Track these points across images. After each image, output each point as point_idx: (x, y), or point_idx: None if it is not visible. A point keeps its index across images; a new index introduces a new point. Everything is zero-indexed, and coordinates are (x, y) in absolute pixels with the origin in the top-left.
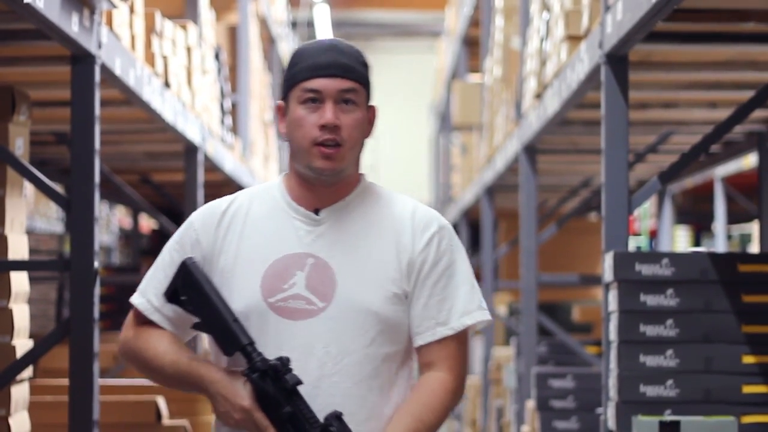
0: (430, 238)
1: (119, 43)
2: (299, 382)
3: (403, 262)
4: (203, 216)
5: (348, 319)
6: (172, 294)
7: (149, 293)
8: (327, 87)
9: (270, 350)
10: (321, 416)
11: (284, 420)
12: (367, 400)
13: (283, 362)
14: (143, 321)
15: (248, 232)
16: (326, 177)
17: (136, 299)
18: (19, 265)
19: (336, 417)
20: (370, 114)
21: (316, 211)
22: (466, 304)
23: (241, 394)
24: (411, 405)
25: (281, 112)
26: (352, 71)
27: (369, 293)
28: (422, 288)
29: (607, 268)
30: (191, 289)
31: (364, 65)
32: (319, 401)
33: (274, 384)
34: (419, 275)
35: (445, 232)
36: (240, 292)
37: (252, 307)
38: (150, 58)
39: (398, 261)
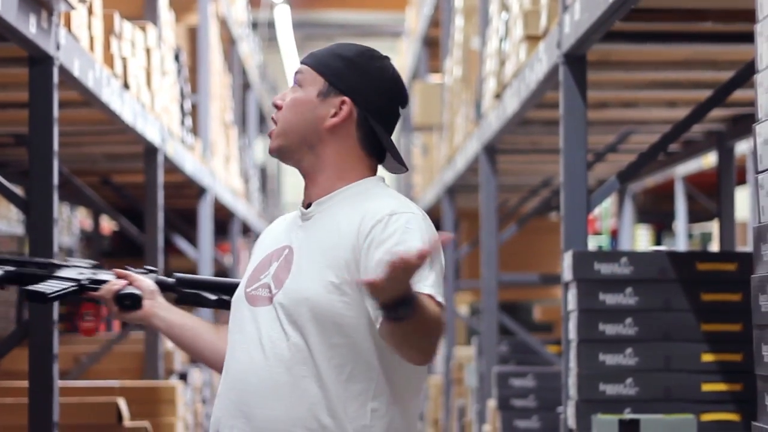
0: (376, 223)
1: (78, 44)
2: None
3: (348, 250)
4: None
5: (287, 306)
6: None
7: None
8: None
9: (235, 336)
10: (256, 408)
11: None
12: (297, 388)
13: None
14: None
15: (265, 237)
16: (283, 162)
17: None
18: None
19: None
20: (335, 102)
21: (308, 206)
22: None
23: None
24: None
25: None
26: (310, 56)
27: (307, 280)
28: (367, 269)
29: (566, 267)
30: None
31: (335, 56)
32: (253, 384)
33: None
34: (366, 259)
35: (397, 218)
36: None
37: (237, 298)
38: (109, 60)
39: (343, 250)
